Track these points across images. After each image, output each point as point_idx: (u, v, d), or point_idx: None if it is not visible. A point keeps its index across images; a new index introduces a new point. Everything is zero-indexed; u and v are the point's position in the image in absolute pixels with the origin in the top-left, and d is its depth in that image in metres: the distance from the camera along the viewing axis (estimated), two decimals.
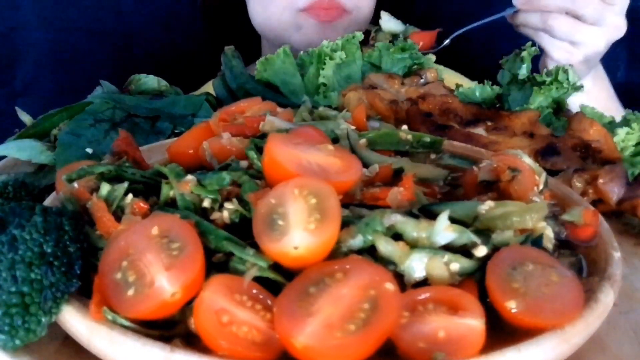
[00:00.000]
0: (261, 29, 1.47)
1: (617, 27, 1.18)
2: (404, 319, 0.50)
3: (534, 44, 1.16)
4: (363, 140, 0.76)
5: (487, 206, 0.59)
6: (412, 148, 0.80)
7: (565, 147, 0.92)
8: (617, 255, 0.62)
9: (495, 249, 0.56)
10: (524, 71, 1.12)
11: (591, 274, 0.61)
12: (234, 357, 0.48)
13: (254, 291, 0.52)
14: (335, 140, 0.74)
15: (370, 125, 0.82)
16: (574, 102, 1.12)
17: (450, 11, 1.68)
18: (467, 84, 1.19)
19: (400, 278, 0.54)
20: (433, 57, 1.21)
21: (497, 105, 1.11)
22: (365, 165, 0.67)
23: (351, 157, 0.65)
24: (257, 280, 0.53)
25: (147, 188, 0.65)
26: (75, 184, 0.64)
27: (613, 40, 1.21)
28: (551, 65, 1.14)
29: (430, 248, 0.55)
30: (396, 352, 0.49)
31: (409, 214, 0.58)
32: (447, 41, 1.28)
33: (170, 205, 0.62)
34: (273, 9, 1.39)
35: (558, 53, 1.18)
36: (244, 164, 0.67)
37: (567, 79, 1.07)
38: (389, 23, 1.29)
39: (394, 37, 1.26)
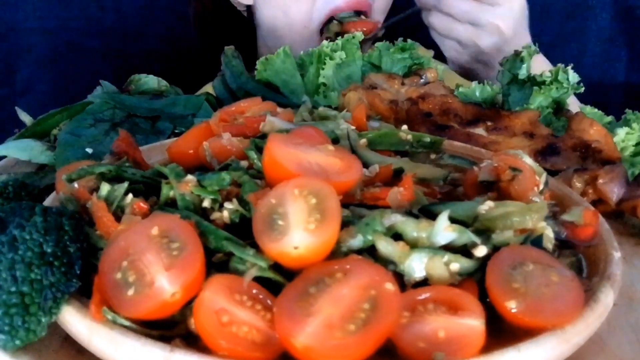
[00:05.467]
0: (274, 44, 1.45)
1: (497, 29, 1.17)
2: (404, 319, 0.50)
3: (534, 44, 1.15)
4: (363, 140, 0.76)
5: (487, 206, 0.59)
6: (412, 148, 0.80)
7: (565, 147, 0.92)
8: (617, 255, 0.62)
9: (495, 249, 0.56)
10: (524, 71, 1.11)
11: (591, 274, 0.61)
12: (234, 357, 0.48)
13: (254, 291, 0.52)
14: (335, 140, 0.74)
15: (370, 125, 0.82)
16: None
17: None
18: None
19: (400, 278, 0.54)
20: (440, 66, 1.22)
21: (497, 106, 1.11)
22: (365, 165, 0.67)
23: (351, 157, 0.64)
24: (257, 280, 0.53)
25: (147, 188, 0.65)
26: (75, 184, 0.64)
27: (499, 43, 1.18)
28: (452, 65, 1.14)
29: (430, 248, 0.55)
30: (396, 352, 0.49)
31: (409, 214, 0.58)
32: (381, 31, 1.33)
33: (170, 205, 0.62)
34: (294, 35, 1.36)
35: (448, 51, 1.19)
36: (244, 164, 0.67)
37: (567, 79, 1.07)
38: None
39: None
